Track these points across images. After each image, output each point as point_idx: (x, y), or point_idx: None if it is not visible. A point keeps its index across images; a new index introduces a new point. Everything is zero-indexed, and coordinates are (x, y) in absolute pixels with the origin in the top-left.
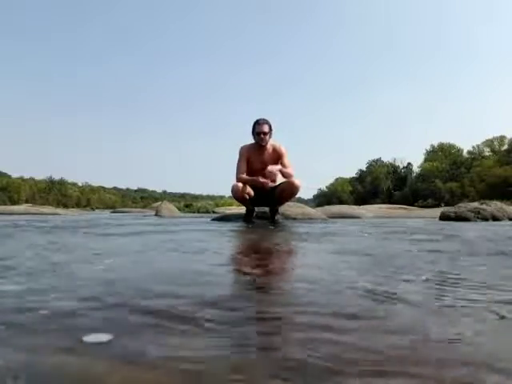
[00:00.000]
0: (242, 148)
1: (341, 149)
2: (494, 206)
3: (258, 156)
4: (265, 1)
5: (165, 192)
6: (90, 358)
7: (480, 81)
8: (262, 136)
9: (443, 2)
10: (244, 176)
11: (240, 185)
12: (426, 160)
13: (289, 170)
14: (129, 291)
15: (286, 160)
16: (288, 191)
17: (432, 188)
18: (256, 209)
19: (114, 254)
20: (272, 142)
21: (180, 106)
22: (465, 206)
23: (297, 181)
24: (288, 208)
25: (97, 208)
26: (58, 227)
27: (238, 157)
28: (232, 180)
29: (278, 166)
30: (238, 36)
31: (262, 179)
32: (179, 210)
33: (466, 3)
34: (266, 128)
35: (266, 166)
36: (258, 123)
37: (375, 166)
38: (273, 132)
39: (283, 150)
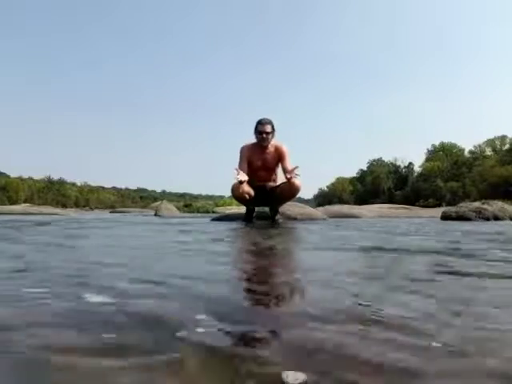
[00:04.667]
0: (242, 148)
1: (341, 148)
2: (495, 205)
3: (258, 155)
4: (265, 1)
5: (164, 192)
6: None
7: (481, 80)
8: (264, 136)
9: (444, 2)
10: (245, 176)
11: (240, 184)
12: (427, 159)
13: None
14: None
15: (287, 161)
16: (288, 192)
17: (433, 188)
18: (256, 208)
19: None
20: (273, 141)
21: (180, 105)
22: (466, 206)
23: (297, 181)
24: (288, 208)
25: (96, 208)
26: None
27: (238, 156)
28: (231, 180)
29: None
30: (239, 37)
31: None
32: (179, 209)
33: (466, 3)
34: (268, 128)
35: (267, 164)
36: (260, 123)
37: (376, 165)
38: (275, 132)
39: (285, 150)
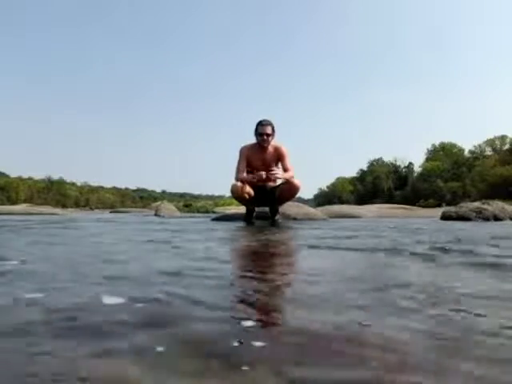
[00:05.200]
0: (242, 148)
1: (342, 148)
2: (495, 205)
3: (258, 155)
4: (265, 1)
5: (164, 192)
6: None
7: (481, 80)
8: (265, 137)
9: (444, 2)
10: (244, 175)
11: (239, 184)
12: (427, 159)
13: (289, 174)
14: None
15: (287, 162)
16: (288, 192)
17: (433, 188)
18: (256, 209)
19: None
20: (273, 142)
21: (180, 106)
22: (466, 206)
23: (296, 181)
24: (288, 208)
25: (96, 208)
26: None
27: (238, 156)
28: (231, 180)
29: (281, 173)
30: (239, 37)
31: (262, 174)
32: (179, 209)
33: (467, 3)
34: (268, 130)
35: (266, 164)
36: (261, 124)
37: (376, 165)
38: (275, 134)
39: (284, 150)
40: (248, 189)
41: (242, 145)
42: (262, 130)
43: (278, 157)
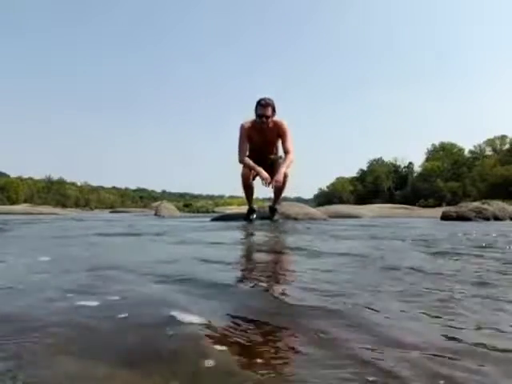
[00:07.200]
0: (242, 126)
1: (342, 148)
2: (495, 205)
3: (258, 133)
4: (265, 2)
5: (164, 192)
6: None
7: (482, 80)
8: (264, 120)
9: (444, 2)
10: (249, 161)
11: (248, 172)
12: (427, 159)
13: (289, 159)
14: None
15: (288, 141)
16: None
17: (433, 188)
18: (256, 208)
19: None
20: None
21: (180, 105)
22: (466, 206)
23: (286, 170)
24: (289, 208)
25: (96, 208)
26: None
27: (238, 135)
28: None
29: (282, 173)
30: (239, 36)
31: (264, 174)
32: (179, 209)
33: (466, 3)
34: (268, 111)
35: (267, 141)
36: (260, 104)
37: (376, 165)
38: (276, 113)
39: (285, 127)
40: (252, 178)
41: (241, 122)
42: (262, 112)
43: (278, 131)
